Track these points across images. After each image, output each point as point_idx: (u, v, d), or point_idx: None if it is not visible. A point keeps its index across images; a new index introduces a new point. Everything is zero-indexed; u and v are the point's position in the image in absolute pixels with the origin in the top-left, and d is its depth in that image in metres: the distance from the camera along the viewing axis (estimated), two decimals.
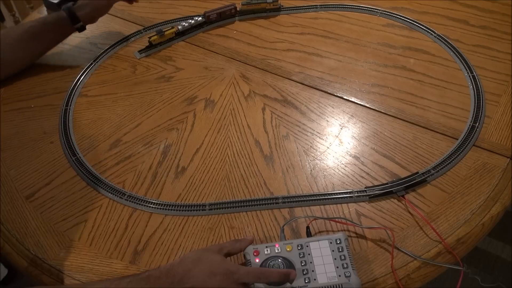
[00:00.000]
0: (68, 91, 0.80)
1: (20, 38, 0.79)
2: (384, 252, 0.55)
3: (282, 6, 0.96)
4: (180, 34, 0.90)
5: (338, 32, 0.89)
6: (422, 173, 0.63)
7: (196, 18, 0.91)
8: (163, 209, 0.62)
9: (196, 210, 0.62)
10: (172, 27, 0.89)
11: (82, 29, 0.83)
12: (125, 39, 0.91)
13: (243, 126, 0.73)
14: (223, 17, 0.93)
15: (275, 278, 0.48)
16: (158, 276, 0.48)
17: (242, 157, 0.68)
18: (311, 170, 0.66)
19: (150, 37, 0.87)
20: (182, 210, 0.62)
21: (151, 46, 0.88)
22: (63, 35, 0.85)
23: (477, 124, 0.69)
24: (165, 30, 0.88)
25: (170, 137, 0.72)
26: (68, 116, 0.76)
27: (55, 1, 0.97)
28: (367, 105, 0.74)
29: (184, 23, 0.90)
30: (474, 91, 0.75)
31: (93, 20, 0.85)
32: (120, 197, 0.64)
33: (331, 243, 0.53)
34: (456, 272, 0.54)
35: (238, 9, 0.94)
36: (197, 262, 0.49)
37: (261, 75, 0.82)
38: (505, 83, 0.76)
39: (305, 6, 0.96)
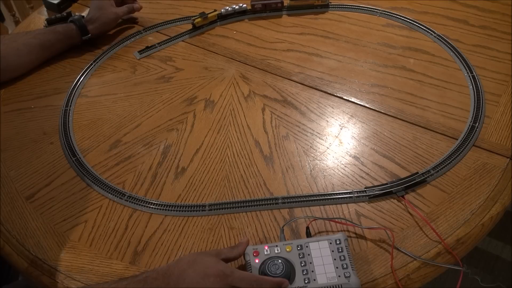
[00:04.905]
0: (68, 91, 0.80)
1: (28, 43, 0.81)
2: (384, 253, 0.55)
3: (331, 3, 0.95)
4: (223, 17, 0.93)
5: (338, 32, 0.89)
6: (421, 173, 0.63)
7: (240, 5, 0.92)
8: (163, 209, 0.62)
9: (196, 211, 0.62)
10: (215, 10, 0.91)
11: (89, 40, 0.87)
12: (125, 39, 0.91)
13: (243, 127, 0.73)
14: (268, 9, 0.94)
15: (268, 286, 0.49)
16: (155, 277, 0.49)
17: (242, 157, 0.68)
18: (311, 171, 0.66)
19: (194, 20, 0.89)
20: (182, 211, 0.62)
21: (194, 28, 0.91)
22: (70, 45, 0.87)
23: (477, 124, 0.69)
24: (208, 13, 0.90)
25: (170, 138, 0.72)
26: (68, 116, 0.76)
27: (55, 1, 0.98)
28: (367, 105, 0.74)
29: (227, 8, 0.92)
30: (474, 91, 0.75)
31: (101, 33, 0.89)
32: (120, 198, 0.64)
33: (330, 243, 0.53)
34: (456, 272, 0.54)
35: (285, 4, 0.94)
36: (192, 263, 0.49)
37: (261, 76, 0.82)
38: (505, 83, 0.76)
39: (305, 6, 0.96)
